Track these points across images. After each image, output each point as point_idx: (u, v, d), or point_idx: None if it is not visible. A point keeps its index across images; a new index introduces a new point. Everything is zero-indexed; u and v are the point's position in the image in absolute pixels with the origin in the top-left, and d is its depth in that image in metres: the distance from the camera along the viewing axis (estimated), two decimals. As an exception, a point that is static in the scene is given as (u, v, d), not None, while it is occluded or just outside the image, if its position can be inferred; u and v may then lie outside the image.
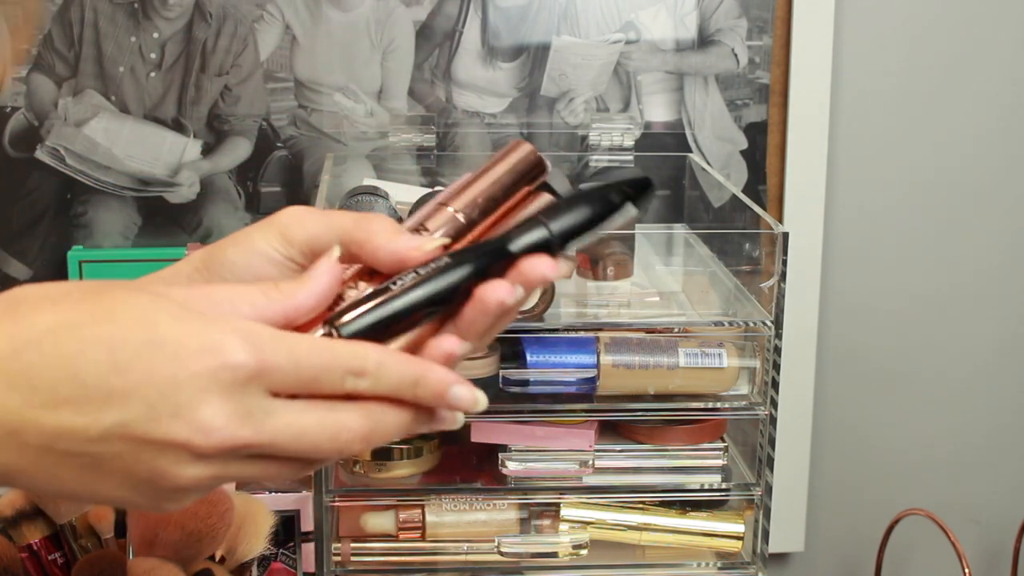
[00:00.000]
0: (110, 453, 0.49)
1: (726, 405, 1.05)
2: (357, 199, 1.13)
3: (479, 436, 1.05)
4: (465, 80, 1.27)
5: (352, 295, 0.56)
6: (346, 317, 0.54)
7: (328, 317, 0.55)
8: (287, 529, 1.17)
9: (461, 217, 0.58)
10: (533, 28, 1.27)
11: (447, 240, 0.57)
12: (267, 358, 0.50)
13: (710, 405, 1.05)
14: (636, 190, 0.58)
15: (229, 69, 1.25)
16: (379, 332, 0.54)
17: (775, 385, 1.03)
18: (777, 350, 1.02)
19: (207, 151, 1.27)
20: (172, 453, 0.49)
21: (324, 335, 0.54)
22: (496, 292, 0.54)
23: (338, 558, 1.07)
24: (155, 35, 1.24)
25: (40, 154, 1.25)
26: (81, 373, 0.48)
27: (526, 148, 0.61)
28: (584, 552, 1.06)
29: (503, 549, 1.06)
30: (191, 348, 0.49)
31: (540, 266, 0.55)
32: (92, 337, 0.48)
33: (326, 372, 0.51)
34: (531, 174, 0.61)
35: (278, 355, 0.50)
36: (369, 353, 0.52)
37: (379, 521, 1.07)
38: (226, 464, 0.50)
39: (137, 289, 0.51)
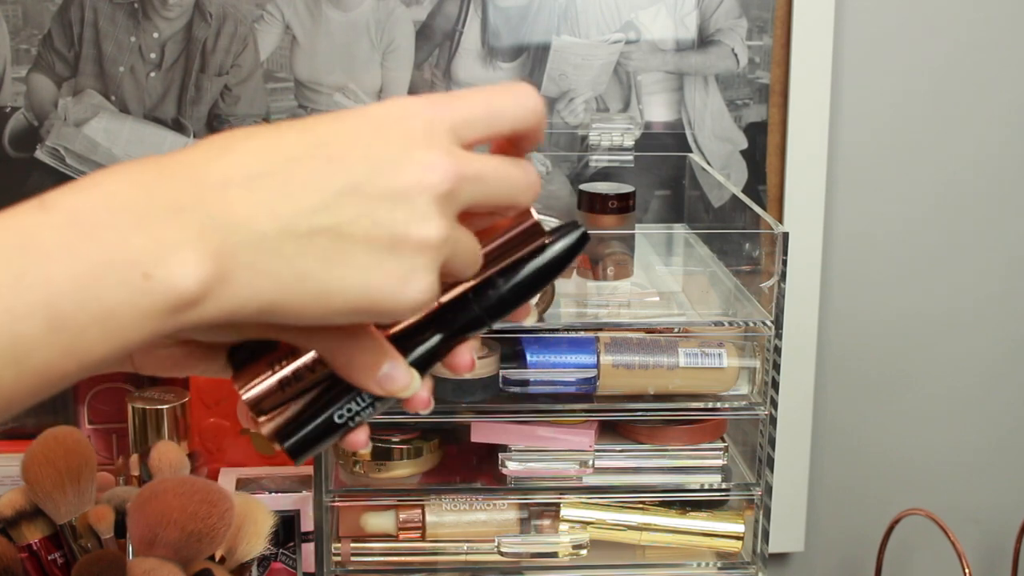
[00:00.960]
0: (347, 219, 0.48)
1: (726, 405, 1.05)
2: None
3: (479, 436, 1.05)
4: (465, 80, 1.27)
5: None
6: (292, 440, 0.54)
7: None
8: (287, 529, 1.17)
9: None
10: (533, 28, 1.27)
11: (427, 388, 0.55)
12: (448, 106, 0.52)
13: (710, 405, 1.05)
14: (577, 244, 0.57)
15: (229, 69, 1.25)
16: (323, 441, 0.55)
17: (775, 385, 1.03)
18: (777, 350, 1.02)
19: (207, 151, 1.27)
20: (407, 202, 0.49)
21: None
22: (415, 405, 0.55)
23: (338, 558, 1.07)
24: (155, 35, 1.24)
25: (40, 154, 1.25)
26: (287, 150, 0.48)
27: (528, 220, 0.57)
28: (584, 552, 1.06)
29: (503, 549, 1.06)
30: (379, 113, 0.50)
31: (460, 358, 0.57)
32: (286, 127, 0.50)
33: (492, 106, 0.53)
34: (529, 237, 0.57)
35: (457, 105, 0.52)
36: (520, 84, 0.55)
37: (379, 521, 1.07)
38: (451, 205, 0.50)
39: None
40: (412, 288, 0.49)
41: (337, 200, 0.48)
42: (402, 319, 0.53)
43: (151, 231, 0.45)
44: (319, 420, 0.54)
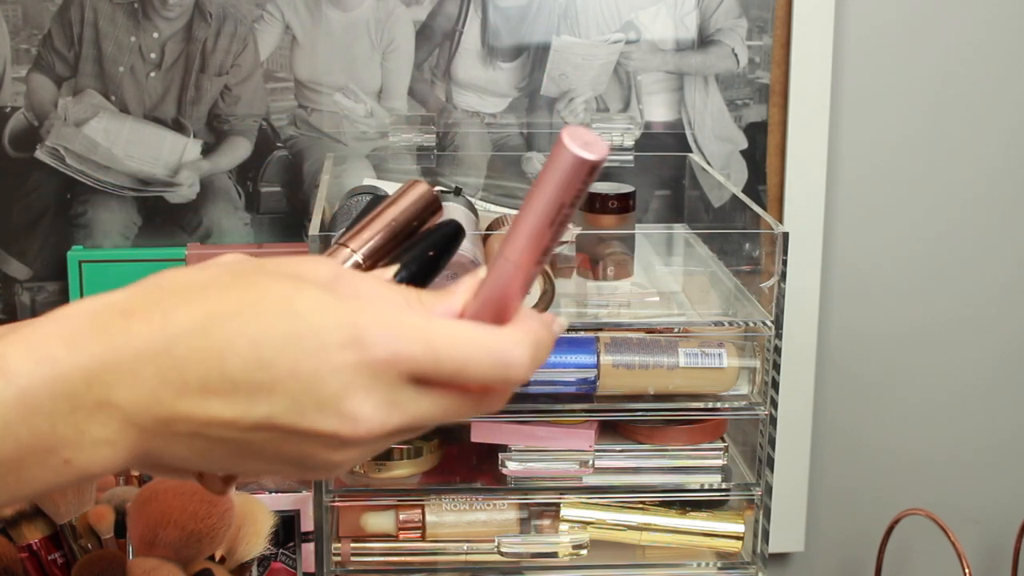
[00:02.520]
0: (259, 440, 0.50)
1: (726, 405, 1.05)
2: (357, 199, 1.13)
3: (479, 436, 1.05)
4: (465, 80, 1.27)
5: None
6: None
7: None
8: (287, 529, 1.17)
9: (359, 259, 0.61)
10: (533, 28, 1.27)
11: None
12: (412, 353, 0.50)
13: (710, 405, 1.05)
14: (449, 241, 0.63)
15: (229, 69, 1.25)
16: None
17: (775, 385, 1.03)
18: (777, 350, 1.02)
19: (207, 151, 1.27)
20: (320, 441, 0.50)
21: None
22: None
23: (338, 558, 1.07)
24: (155, 35, 1.24)
25: (40, 154, 1.25)
26: (228, 368, 0.48)
27: (421, 188, 0.64)
28: (584, 552, 1.06)
29: (503, 549, 1.06)
30: (332, 342, 0.49)
31: None
32: (237, 331, 0.49)
33: (465, 372, 0.51)
34: (428, 211, 0.64)
35: (425, 356, 0.50)
36: (513, 353, 0.51)
37: (379, 521, 1.07)
38: (374, 444, 0.51)
39: (282, 276, 0.51)
40: (318, 477, 0.54)
41: (253, 426, 0.49)
42: None
43: (79, 423, 0.48)
44: None
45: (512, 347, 0.51)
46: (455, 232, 0.62)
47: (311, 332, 0.49)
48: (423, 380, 0.51)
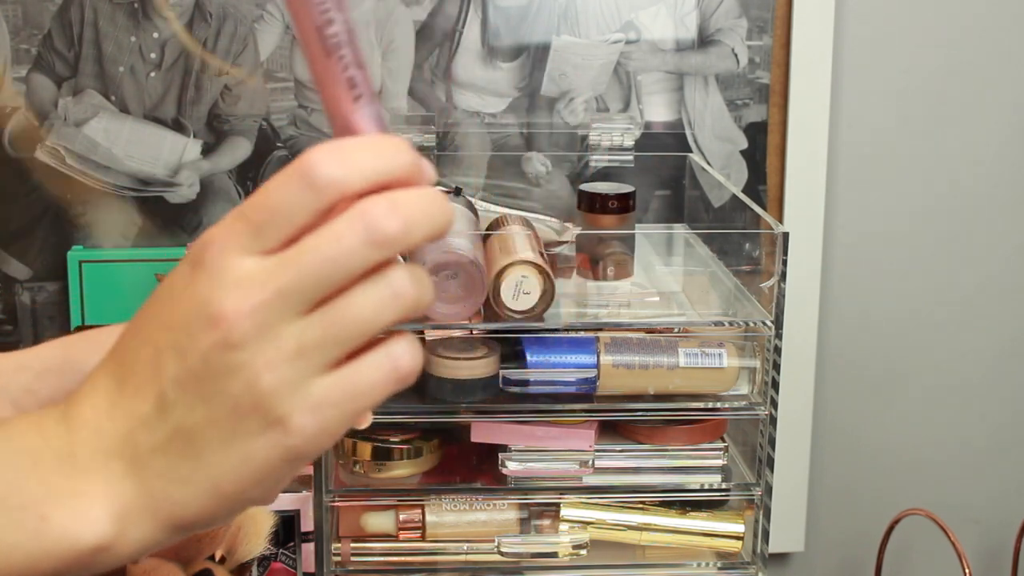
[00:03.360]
0: (180, 414, 0.47)
1: (726, 405, 1.05)
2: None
3: (479, 436, 1.05)
4: (465, 80, 1.27)
5: None
6: None
7: None
8: (287, 529, 1.17)
9: None
10: (533, 28, 1.27)
11: None
12: (215, 231, 0.47)
13: (710, 405, 1.05)
14: None
15: (229, 69, 1.25)
16: None
17: (775, 385, 1.03)
18: (777, 350, 1.02)
19: (207, 151, 1.27)
20: (216, 362, 0.46)
21: None
22: None
23: (338, 558, 1.07)
24: (155, 35, 1.24)
25: (40, 154, 1.25)
26: (129, 361, 0.49)
27: None
28: (584, 552, 1.06)
29: (503, 549, 1.06)
30: (175, 276, 0.48)
31: None
32: (125, 331, 0.50)
33: (266, 192, 0.48)
34: None
35: (226, 221, 0.48)
36: (306, 154, 0.48)
37: (379, 521, 1.07)
38: (269, 329, 0.46)
39: None
40: (290, 442, 0.47)
41: (165, 401, 0.47)
42: (319, 452, 0.49)
43: (44, 478, 0.47)
44: None
45: (308, 159, 0.48)
46: None
47: (160, 289, 0.49)
48: (257, 249, 0.46)
